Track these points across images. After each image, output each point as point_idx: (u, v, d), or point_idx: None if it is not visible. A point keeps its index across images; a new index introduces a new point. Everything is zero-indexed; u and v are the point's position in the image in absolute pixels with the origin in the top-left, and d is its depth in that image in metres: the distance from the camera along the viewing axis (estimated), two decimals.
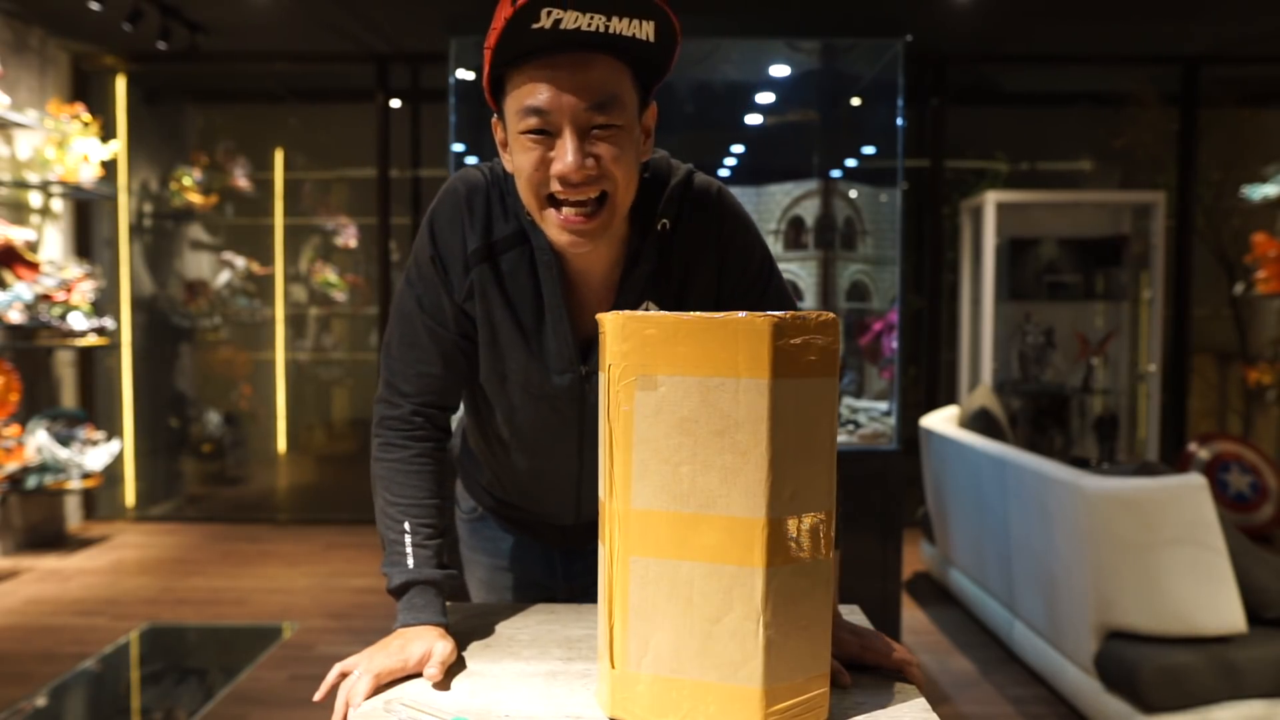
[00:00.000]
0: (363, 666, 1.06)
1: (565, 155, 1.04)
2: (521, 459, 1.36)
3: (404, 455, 1.23)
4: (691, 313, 0.92)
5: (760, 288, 1.25)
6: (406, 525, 1.19)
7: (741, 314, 0.90)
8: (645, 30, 1.01)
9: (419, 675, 1.07)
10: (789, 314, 0.91)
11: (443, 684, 1.06)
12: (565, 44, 1.01)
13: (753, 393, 0.90)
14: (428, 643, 1.09)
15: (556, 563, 1.47)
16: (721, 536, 0.91)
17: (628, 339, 0.93)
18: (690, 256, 1.22)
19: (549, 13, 0.97)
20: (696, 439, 0.92)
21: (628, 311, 0.95)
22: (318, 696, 1.06)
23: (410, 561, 1.17)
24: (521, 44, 1.01)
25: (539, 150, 1.05)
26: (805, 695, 0.95)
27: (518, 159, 1.08)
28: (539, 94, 1.03)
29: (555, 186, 1.06)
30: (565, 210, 1.07)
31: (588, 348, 1.22)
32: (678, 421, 0.92)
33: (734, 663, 0.92)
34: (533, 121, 1.04)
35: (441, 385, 1.25)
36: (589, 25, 0.99)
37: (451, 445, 1.43)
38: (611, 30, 1.00)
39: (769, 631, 0.91)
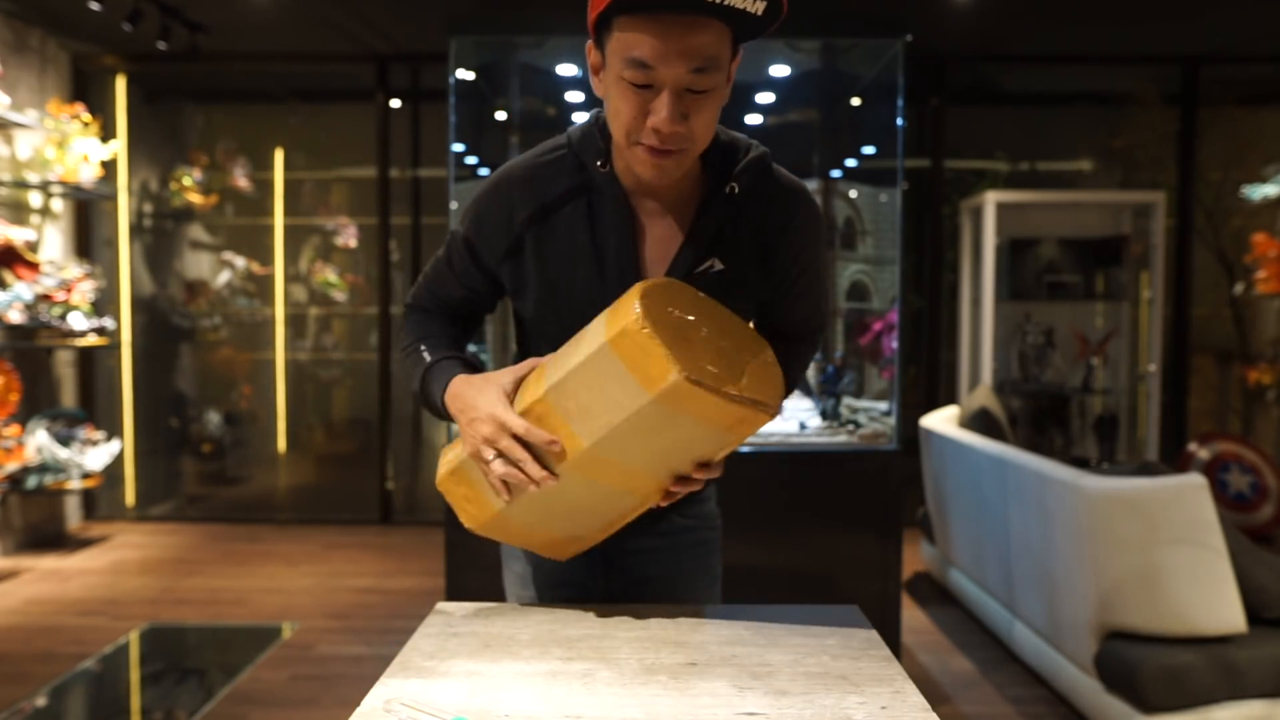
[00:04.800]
0: (486, 454, 1.18)
1: (661, 111, 1.11)
2: None
3: (426, 315, 1.40)
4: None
5: (801, 289, 1.36)
6: (422, 346, 1.33)
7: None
8: (757, 6, 1.07)
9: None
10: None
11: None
12: (682, 6, 1.07)
13: None
14: (493, 386, 1.20)
15: (596, 559, 1.47)
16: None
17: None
18: (757, 229, 1.29)
19: None
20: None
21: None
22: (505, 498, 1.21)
23: (428, 358, 1.32)
24: (643, 1, 1.07)
25: (638, 100, 1.13)
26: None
27: (616, 101, 1.15)
28: (646, 50, 1.09)
29: (647, 134, 1.14)
30: (649, 150, 1.16)
31: None
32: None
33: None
34: (636, 74, 1.10)
35: (461, 310, 1.41)
36: None
37: None
38: (727, 2, 1.06)
39: None
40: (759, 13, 1.08)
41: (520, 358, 1.45)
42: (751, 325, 1.34)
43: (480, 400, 1.18)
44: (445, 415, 1.27)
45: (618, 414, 1.08)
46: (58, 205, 5.13)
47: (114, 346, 5.47)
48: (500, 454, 1.16)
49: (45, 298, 4.56)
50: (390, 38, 5.21)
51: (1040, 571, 2.96)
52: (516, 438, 1.15)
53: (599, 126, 1.27)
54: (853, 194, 4.14)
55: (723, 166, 1.27)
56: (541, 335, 1.37)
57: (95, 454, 4.70)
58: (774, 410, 1.12)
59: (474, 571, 3.11)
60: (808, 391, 3.67)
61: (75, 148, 4.74)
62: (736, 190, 1.26)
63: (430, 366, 1.30)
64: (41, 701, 3.00)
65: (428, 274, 1.40)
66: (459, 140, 3.58)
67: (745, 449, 3.10)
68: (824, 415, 3.49)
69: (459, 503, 1.25)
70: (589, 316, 1.29)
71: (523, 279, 1.31)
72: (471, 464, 1.22)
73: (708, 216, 1.26)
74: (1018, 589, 3.20)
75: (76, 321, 4.65)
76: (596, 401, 1.10)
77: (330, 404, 6.42)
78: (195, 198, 5.73)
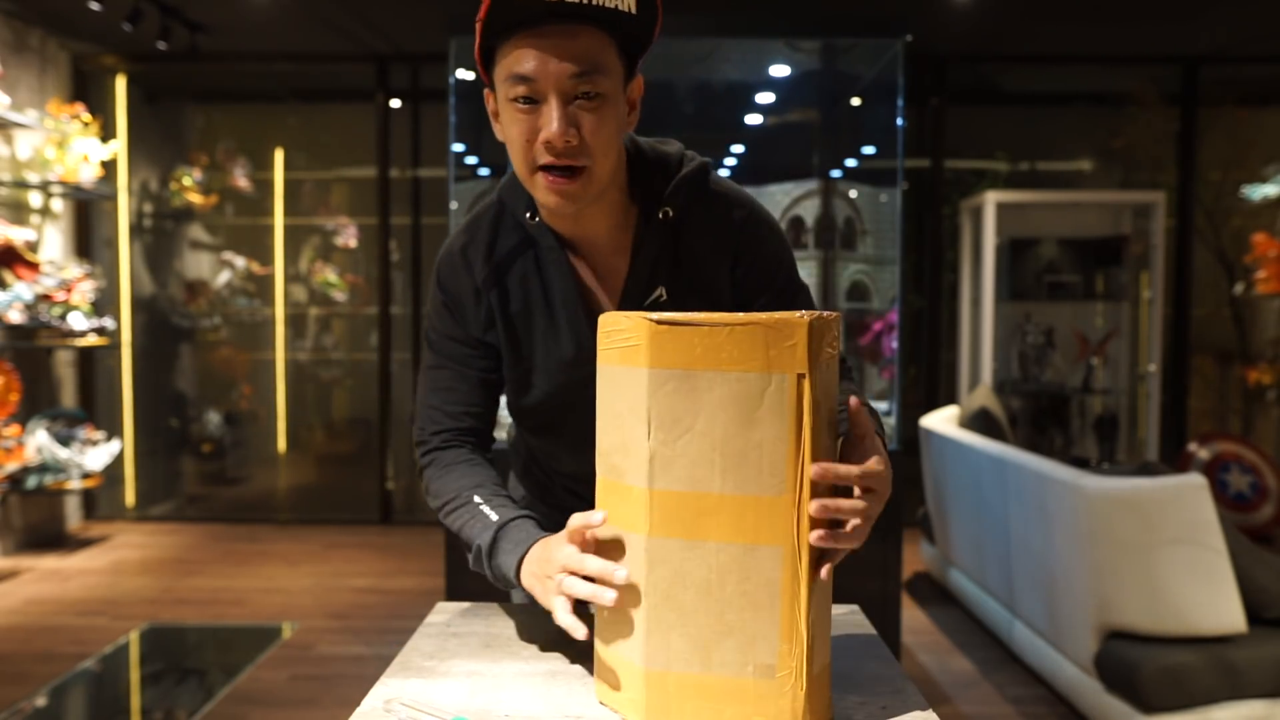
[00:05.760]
0: (556, 581, 0.99)
1: (551, 123, 1.07)
2: (563, 456, 1.38)
3: (447, 459, 1.26)
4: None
5: (787, 300, 1.27)
6: (477, 497, 1.19)
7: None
8: (627, 3, 1.05)
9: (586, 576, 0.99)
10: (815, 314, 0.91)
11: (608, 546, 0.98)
12: (551, 15, 1.05)
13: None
14: (560, 536, 1.02)
15: None
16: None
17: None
18: (700, 251, 1.23)
19: None
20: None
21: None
22: (581, 634, 0.98)
23: (494, 516, 1.15)
24: (510, 16, 1.05)
25: (528, 119, 1.09)
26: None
27: (508, 128, 1.12)
28: (526, 62, 1.06)
29: (542, 153, 1.09)
30: (550, 174, 1.10)
31: None
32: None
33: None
34: (521, 89, 1.08)
35: (471, 422, 1.29)
36: None
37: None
38: (595, 2, 1.04)
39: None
40: (631, 10, 1.06)
41: (515, 428, 1.42)
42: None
43: (552, 554, 1.03)
44: (513, 582, 1.11)
45: (639, 420, 0.92)
46: (58, 205, 5.13)
47: (114, 346, 5.47)
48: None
49: (45, 298, 4.56)
50: (390, 38, 5.21)
51: (1040, 571, 2.96)
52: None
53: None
54: (853, 194, 4.14)
55: (653, 190, 1.21)
56: (516, 411, 1.34)
57: (95, 454, 4.70)
58: (805, 316, 0.89)
59: (474, 572, 3.11)
60: None
61: (75, 148, 4.74)
62: (671, 214, 1.20)
63: (501, 527, 1.14)
64: (41, 701, 3.00)
65: (426, 398, 1.29)
66: (459, 140, 3.58)
67: None
68: None
69: (621, 702, 0.97)
70: (552, 376, 1.26)
71: (497, 350, 1.27)
72: (599, 647, 1.01)
73: (644, 250, 1.21)
74: (1018, 589, 3.20)
75: (76, 321, 4.65)
76: (622, 427, 0.95)
77: (330, 404, 6.42)
78: (195, 198, 5.73)
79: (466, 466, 1.24)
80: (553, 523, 1.48)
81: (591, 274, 1.24)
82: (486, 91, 1.18)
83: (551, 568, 1.02)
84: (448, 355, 1.27)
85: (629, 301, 1.22)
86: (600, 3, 1.04)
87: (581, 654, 1.14)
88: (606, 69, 1.08)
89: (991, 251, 4.97)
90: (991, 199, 4.97)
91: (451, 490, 1.22)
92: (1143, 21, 4.88)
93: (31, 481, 4.46)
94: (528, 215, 1.21)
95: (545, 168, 1.10)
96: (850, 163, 4.45)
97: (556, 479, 1.45)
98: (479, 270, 1.24)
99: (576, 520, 1.00)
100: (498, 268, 1.24)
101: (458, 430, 1.28)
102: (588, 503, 1.45)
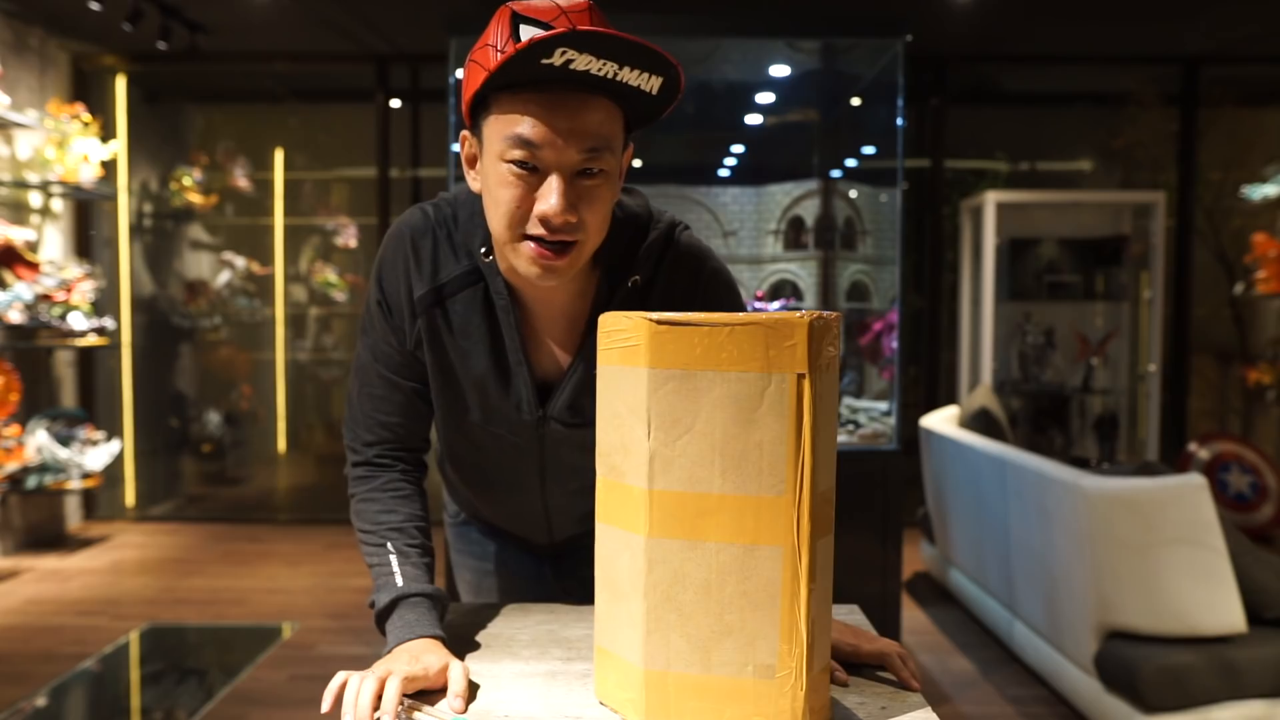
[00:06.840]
0: (371, 673, 0.97)
1: (550, 197, 1.01)
2: (488, 492, 1.37)
3: (376, 484, 1.21)
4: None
5: None
6: (389, 547, 1.15)
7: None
8: (651, 84, 0.99)
9: (438, 690, 1.00)
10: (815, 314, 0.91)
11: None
12: (569, 82, 0.98)
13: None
14: (444, 657, 1.02)
15: (544, 562, 1.48)
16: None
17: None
18: (664, 309, 1.20)
19: (563, 52, 0.93)
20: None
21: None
22: (325, 708, 0.96)
23: (399, 580, 1.12)
24: (524, 74, 0.97)
25: (521, 186, 1.02)
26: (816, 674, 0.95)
27: (496, 189, 1.04)
28: (533, 127, 0.99)
29: (534, 224, 1.03)
30: (538, 244, 1.04)
31: (546, 391, 1.21)
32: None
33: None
34: (520, 154, 1.00)
35: (404, 432, 1.23)
36: (599, 70, 0.96)
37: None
38: (619, 79, 0.97)
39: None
40: (653, 91, 1.00)
41: (441, 444, 1.36)
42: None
43: (431, 660, 1.01)
44: (381, 626, 1.12)
45: (639, 420, 0.92)
46: (58, 205, 5.13)
47: (114, 346, 5.47)
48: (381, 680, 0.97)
49: (45, 298, 4.55)
50: (390, 38, 5.21)
51: (1040, 571, 2.96)
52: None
53: (480, 203, 1.12)
54: (853, 194, 4.14)
55: (620, 254, 1.15)
56: (444, 440, 1.30)
57: (95, 454, 4.70)
58: (805, 316, 0.89)
59: None
60: None
61: (75, 148, 4.74)
62: (639, 280, 1.16)
63: (402, 599, 1.11)
64: (41, 701, 3.00)
65: (358, 400, 1.23)
66: (459, 140, 3.58)
67: None
68: None
69: (621, 701, 0.98)
70: (491, 422, 1.21)
71: (426, 369, 1.21)
72: (599, 647, 1.02)
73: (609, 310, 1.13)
74: (1018, 589, 3.20)
75: (76, 321, 4.65)
76: (622, 428, 0.95)
77: (330, 404, 6.42)
78: (195, 198, 5.73)
79: (391, 499, 1.19)
80: (485, 536, 1.48)
81: (538, 322, 1.18)
82: (464, 135, 1.11)
83: (400, 666, 0.98)
84: (382, 359, 1.20)
85: (574, 373, 1.18)
86: (625, 80, 0.97)
87: (581, 654, 1.14)
88: (613, 146, 1.03)
89: (991, 251, 4.97)
90: (991, 199, 4.97)
91: (370, 523, 1.18)
92: (1143, 21, 4.88)
93: (31, 481, 4.46)
94: (482, 250, 1.14)
95: (533, 238, 1.04)
96: (850, 163, 4.45)
97: (486, 525, 1.45)
98: (418, 283, 1.16)
99: (456, 679, 0.98)
100: (440, 290, 1.16)
101: (391, 442, 1.22)
102: (508, 572, 1.45)
